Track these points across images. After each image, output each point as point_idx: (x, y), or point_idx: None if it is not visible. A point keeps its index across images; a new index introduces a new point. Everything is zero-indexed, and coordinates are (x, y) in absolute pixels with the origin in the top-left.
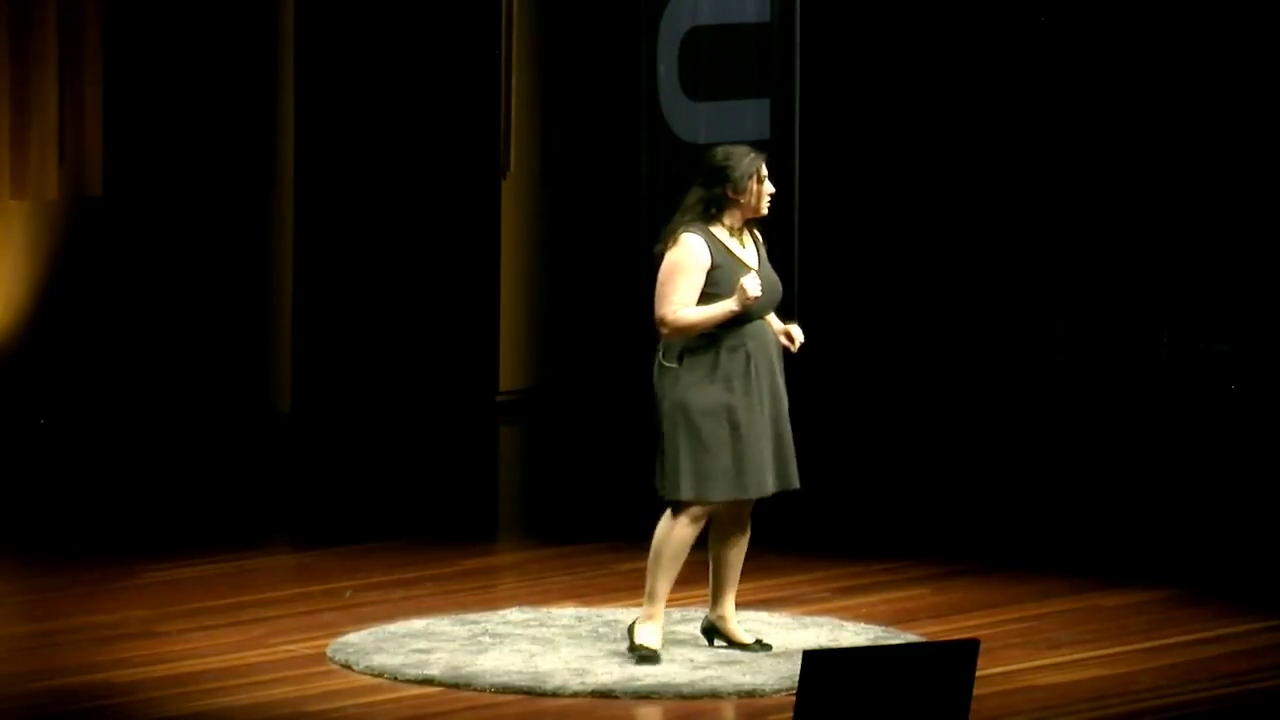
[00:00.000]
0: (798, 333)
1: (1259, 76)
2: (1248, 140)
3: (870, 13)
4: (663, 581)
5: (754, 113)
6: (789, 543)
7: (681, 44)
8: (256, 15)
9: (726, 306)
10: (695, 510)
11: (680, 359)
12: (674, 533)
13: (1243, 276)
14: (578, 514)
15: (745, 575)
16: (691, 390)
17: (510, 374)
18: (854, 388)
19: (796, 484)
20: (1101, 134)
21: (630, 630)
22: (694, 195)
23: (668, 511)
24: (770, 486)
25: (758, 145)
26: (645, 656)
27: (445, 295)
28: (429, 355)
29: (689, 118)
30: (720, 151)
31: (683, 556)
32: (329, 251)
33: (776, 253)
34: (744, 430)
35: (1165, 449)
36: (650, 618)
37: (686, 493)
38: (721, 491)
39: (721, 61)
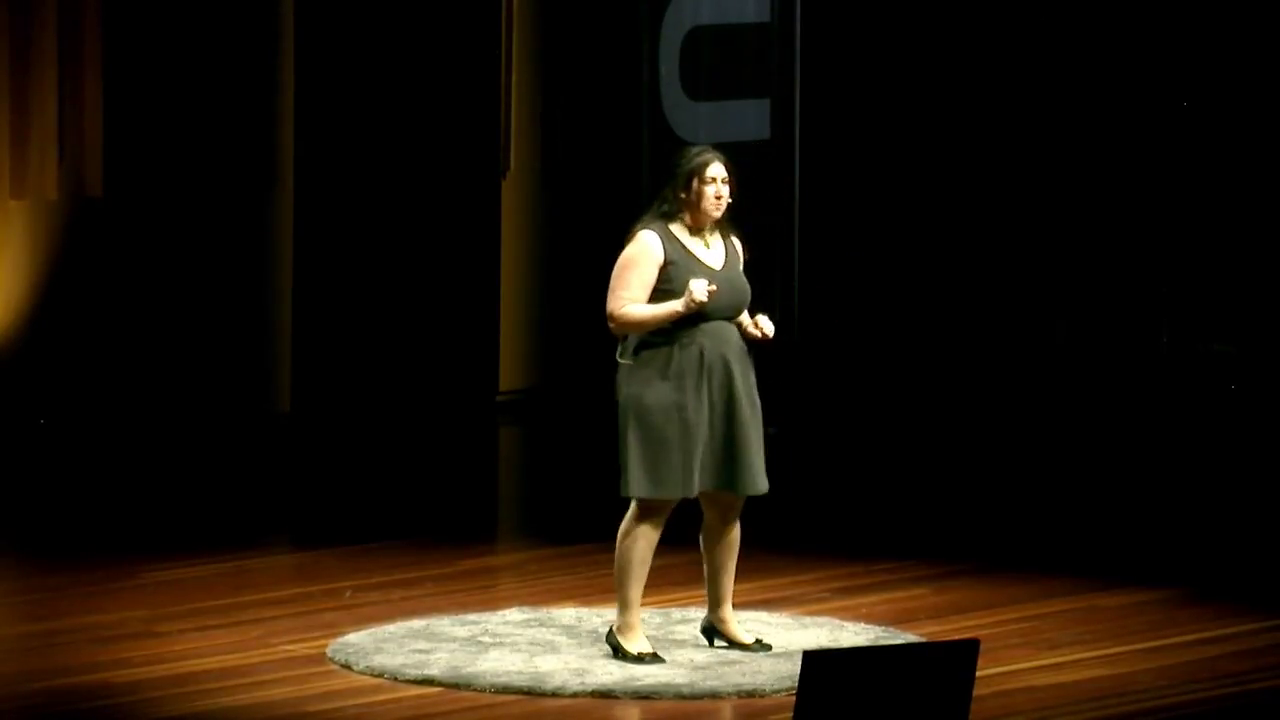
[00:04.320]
0: (765, 323)
1: (1259, 76)
2: (1247, 140)
3: (870, 13)
4: (634, 588)
5: (754, 113)
6: (789, 543)
7: (682, 44)
8: (256, 15)
9: (671, 307)
10: (653, 509)
11: (636, 355)
12: (636, 536)
13: (1243, 276)
14: (578, 514)
15: (745, 575)
16: (645, 387)
17: (510, 374)
18: (854, 387)
19: (763, 488)
20: (1101, 134)
21: (613, 643)
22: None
23: (628, 514)
24: (704, 487)
25: (757, 145)
26: (646, 659)
27: (445, 295)
28: (429, 355)
29: (689, 118)
30: (683, 150)
31: (649, 559)
32: (329, 251)
33: (776, 253)
34: (693, 429)
35: (1165, 449)
36: (630, 627)
37: (640, 490)
38: (673, 489)
39: (721, 61)
